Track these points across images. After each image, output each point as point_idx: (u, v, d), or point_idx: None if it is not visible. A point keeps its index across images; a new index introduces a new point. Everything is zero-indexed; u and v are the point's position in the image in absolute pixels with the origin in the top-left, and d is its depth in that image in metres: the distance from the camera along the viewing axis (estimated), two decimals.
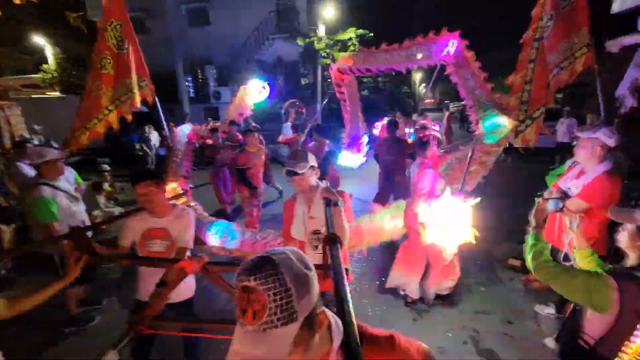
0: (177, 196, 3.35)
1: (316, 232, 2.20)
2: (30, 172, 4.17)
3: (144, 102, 5.19)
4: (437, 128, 12.29)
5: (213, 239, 3.47)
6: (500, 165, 5.13)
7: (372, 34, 14.25)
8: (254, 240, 3.37)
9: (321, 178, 2.20)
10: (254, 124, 11.90)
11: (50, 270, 3.05)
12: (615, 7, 3.41)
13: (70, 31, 18.85)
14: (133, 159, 11.59)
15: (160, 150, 10.17)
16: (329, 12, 13.56)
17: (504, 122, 3.61)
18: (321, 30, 13.64)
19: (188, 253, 2.12)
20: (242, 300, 0.66)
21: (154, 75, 5.25)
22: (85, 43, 18.45)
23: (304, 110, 14.14)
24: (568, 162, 2.83)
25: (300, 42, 13.72)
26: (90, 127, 4.52)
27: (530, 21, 3.54)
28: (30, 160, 2.94)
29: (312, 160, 2.12)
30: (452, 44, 4.17)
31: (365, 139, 6.44)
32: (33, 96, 13.40)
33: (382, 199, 4.97)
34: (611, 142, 2.40)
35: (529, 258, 1.63)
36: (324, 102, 9.56)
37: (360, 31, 14.00)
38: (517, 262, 3.88)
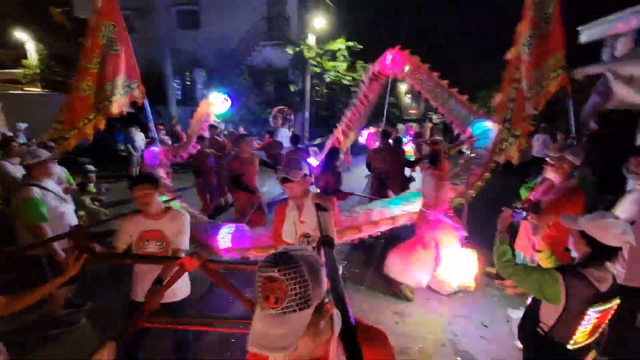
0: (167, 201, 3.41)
1: (306, 236, 2.31)
2: (15, 171, 4.10)
3: (131, 103, 5.20)
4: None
5: (223, 241, 3.49)
6: None
7: (360, 46, 14.61)
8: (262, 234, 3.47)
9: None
10: (242, 130, 11.98)
11: (36, 272, 3.03)
12: (583, 38, 3.73)
13: (54, 27, 18.46)
14: (117, 159, 11.40)
15: (145, 152, 10.05)
16: (319, 23, 13.82)
17: (491, 126, 3.82)
18: (311, 40, 13.88)
19: (182, 254, 2.19)
20: (266, 288, 0.77)
21: (140, 75, 5.28)
22: (69, 40, 18.11)
23: (292, 117, 14.30)
24: (539, 178, 3.08)
25: (290, 50, 13.90)
26: (80, 127, 4.48)
27: (512, 39, 3.70)
28: (24, 160, 2.89)
29: (305, 169, 2.25)
30: (389, 58, 4.42)
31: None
32: (12, 92, 12.95)
33: None
34: (577, 160, 2.65)
35: (495, 258, 1.86)
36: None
37: (350, 43, 14.32)
38: (492, 270, 4.09)
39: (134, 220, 2.19)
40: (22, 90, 14.35)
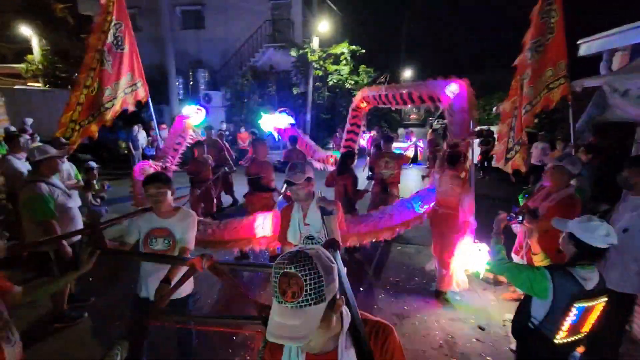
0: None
1: (310, 238, 2.38)
2: (22, 166, 4.15)
3: (135, 101, 5.27)
4: (421, 144, 12.82)
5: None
6: (479, 182, 5.49)
7: (363, 50, 14.72)
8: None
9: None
10: (243, 131, 12.05)
11: (43, 267, 3.08)
12: (582, 51, 3.84)
13: (57, 23, 18.51)
14: (118, 157, 11.44)
15: (147, 150, 10.10)
16: (323, 26, 13.92)
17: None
18: (315, 43, 13.98)
19: (188, 254, 2.25)
20: (283, 283, 0.84)
21: (144, 74, 5.35)
22: (72, 36, 18.16)
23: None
24: (537, 185, 3.16)
25: (293, 52, 13.99)
26: (85, 125, 4.53)
27: (513, 47, 3.77)
28: (32, 156, 2.93)
29: (309, 172, 2.32)
30: (454, 87, 4.26)
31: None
32: (16, 87, 12.98)
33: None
34: (574, 170, 2.74)
35: (491, 257, 2.00)
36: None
37: (353, 47, 14.42)
38: (490, 275, 4.18)
39: (144, 217, 2.25)
40: (25, 85, 14.39)
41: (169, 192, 2.22)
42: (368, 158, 7.35)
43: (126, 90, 5.12)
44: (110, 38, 4.80)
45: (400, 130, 15.87)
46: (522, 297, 2.00)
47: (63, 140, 3.98)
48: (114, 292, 3.76)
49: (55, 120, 8.97)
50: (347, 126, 6.76)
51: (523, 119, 3.63)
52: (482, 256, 2.97)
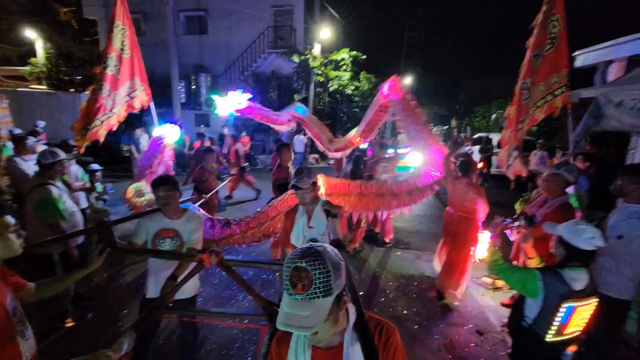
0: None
1: (313, 240, 2.43)
2: (27, 168, 4.22)
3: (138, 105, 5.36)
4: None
5: None
6: None
7: (364, 56, 14.88)
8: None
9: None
10: (244, 135, 12.14)
11: (47, 268, 3.11)
12: (578, 63, 3.94)
13: (62, 26, 18.71)
14: (119, 159, 11.51)
15: None
16: (324, 33, 14.09)
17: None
18: (316, 49, 14.14)
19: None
20: (294, 277, 0.90)
21: (147, 78, 5.44)
22: (76, 39, 18.34)
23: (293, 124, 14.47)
24: (533, 192, 3.23)
25: (295, 58, 14.13)
26: (91, 128, 4.61)
27: (512, 56, 3.87)
28: (44, 159, 2.98)
29: (314, 177, 2.39)
30: (386, 87, 4.54)
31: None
32: (20, 89, 13.08)
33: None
34: (571, 178, 2.81)
35: (488, 258, 2.11)
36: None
37: (354, 53, 14.58)
38: (489, 280, 4.23)
39: (152, 218, 2.31)
40: (28, 87, 14.50)
41: (177, 195, 2.29)
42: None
43: (130, 94, 5.22)
44: (117, 43, 4.90)
45: (401, 136, 15.96)
46: None
47: (71, 143, 4.05)
48: (117, 292, 3.81)
49: (58, 122, 9.00)
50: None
51: (527, 120, 3.75)
52: (486, 242, 3.06)
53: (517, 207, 3.47)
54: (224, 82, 15.52)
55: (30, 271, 3.55)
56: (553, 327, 1.75)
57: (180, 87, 14.85)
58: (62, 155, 3.03)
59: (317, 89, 14.92)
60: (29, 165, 4.22)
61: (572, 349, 1.86)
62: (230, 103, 6.41)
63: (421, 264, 4.81)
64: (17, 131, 6.64)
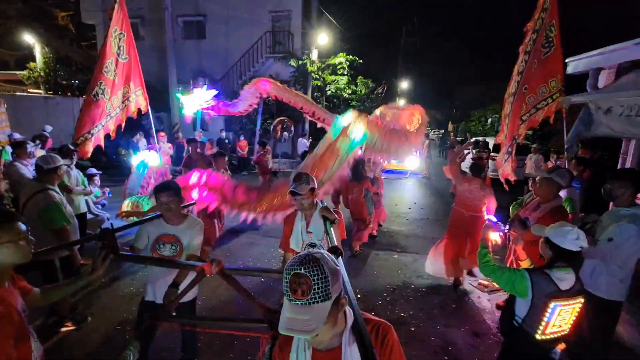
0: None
1: (312, 245, 2.48)
2: (27, 173, 4.24)
3: (136, 109, 5.42)
4: (417, 154, 13.00)
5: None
6: None
7: (361, 61, 15.03)
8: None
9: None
10: (242, 139, 12.18)
11: (48, 274, 3.13)
12: (569, 69, 4.05)
13: (60, 31, 18.75)
14: (117, 164, 11.50)
15: None
16: (322, 38, 14.24)
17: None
18: (314, 54, 14.27)
19: (196, 259, 2.35)
20: (294, 283, 0.95)
21: (145, 83, 5.50)
22: (73, 43, 18.37)
23: (292, 128, 14.56)
24: (527, 196, 3.30)
25: (293, 63, 14.26)
26: (95, 133, 4.67)
27: (507, 62, 4.01)
28: (44, 164, 3.00)
29: (313, 183, 2.44)
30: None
31: None
32: (18, 94, 13.07)
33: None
34: (562, 182, 2.88)
35: (478, 259, 2.17)
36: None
37: (351, 57, 14.73)
38: (485, 283, 4.29)
39: (153, 223, 2.35)
40: (26, 92, 14.49)
41: (179, 201, 2.33)
42: None
43: (129, 98, 5.27)
44: (114, 48, 4.97)
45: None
46: None
47: (71, 147, 4.08)
48: (116, 297, 3.83)
49: (56, 126, 8.96)
50: None
51: (527, 121, 3.88)
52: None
53: (511, 210, 3.53)
54: (223, 86, 15.59)
55: (32, 277, 3.62)
56: (542, 326, 1.82)
57: (178, 91, 14.94)
58: (61, 160, 3.07)
59: (315, 93, 15.04)
60: (29, 170, 4.25)
61: (561, 347, 1.92)
62: (197, 101, 6.14)
63: (418, 267, 4.86)
64: (17, 136, 6.66)
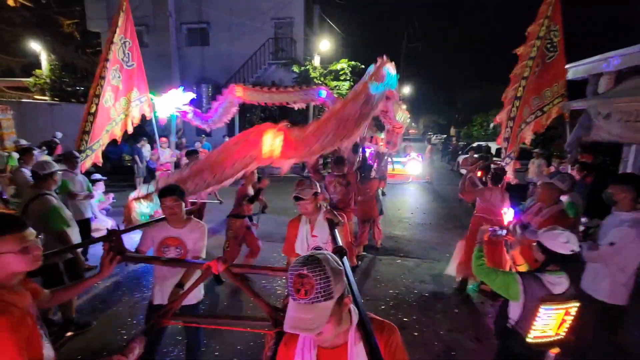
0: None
1: (317, 249, 2.51)
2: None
3: (140, 115, 5.51)
4: (419, 159, 13.02)
5: None
6: None
7: (362, 66, 15.13)
8: None
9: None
10: None
11: (53, 277, 3.17)
12: (569, 75, 4.09)
13: (65, 38, 19.03)
14: (121, 169, 11.60)
15: (149, 163, 10.27)
16: (324, 45, 14.38)
17: None
18: (316, 60, 14.40)
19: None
20: (297, 283, 0.98)
21: (150, 88, 5.59)
22: (78, 50, 18.62)
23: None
24: (529, 201, 3.32)
25: (296, 69, 14.39)
26: (102, 142, 4.75)
27: (508, 65, 4.05)
28: (40, 170, 3.03)
29: (316, 187, 2.48)
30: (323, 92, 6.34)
31: None
32: (23, 100, 13.23)
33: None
34: (563, 186, 2.91)
35: (473, 262, 2.19)
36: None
37: (352, 63, 14.86)
38: (487, 288, 4.28)
39: (158, 226, 2.39)
40: (32, 98, 14.67)
41: (183, 204, 2.37)
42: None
43: (133, 105, 5.36)
44: (120, 55, 5.07)
45: (401, 145, 16.10)
46: None
47: (76, 154, 4.15)
48: (120, 301, 3.85)
49: (62, 132, 9.06)
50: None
51: (532, 124, 3.91)
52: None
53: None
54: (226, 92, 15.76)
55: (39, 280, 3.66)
56: (533, 329, 1.83)
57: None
58: (56, 166, 3.14)
59: None
60: None
61: (554, 351, 1.92)
62: (171, 103, 5.78)
63: (421, 271, 4.86)
64: (23, 142, 6.76)
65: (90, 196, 4.61)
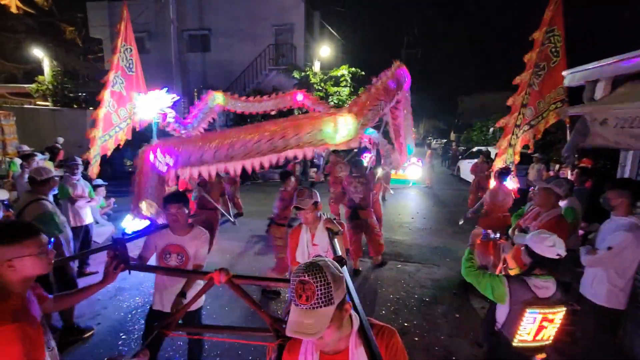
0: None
1: (318, 257, 2.53)
2: None
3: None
4: (420, 163, 13.07)
5: None
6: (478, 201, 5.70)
7: (363, 72, 15.24)
8: None
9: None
10: None
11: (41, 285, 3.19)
12: (566, 82, 4.14)
13: (67, 45, 19.20)
14: (122, 174, 11.64)
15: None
16: (324, 51, 14.50)
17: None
18: (316, 66, 14.51)
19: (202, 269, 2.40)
20: (299, 289, 1.01)
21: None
22: (80, 56, 18.78)
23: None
24: (527, 205, 3.35)
25: (296, 75, 14.50)
26: (102, 144, 4.79)
27: (509, 71, 4.11)
28: (38, 175, 3.08)
29: (316, 197, 2.50)
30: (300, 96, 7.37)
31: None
32: (25, 106, 13.33)
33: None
34: (560, 191, 2.93)
35: (462, 264, 2.18)
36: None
37: (352, 69, 14.96)
38: None
39: (160, 233, 2.41)
40: (34, 104, 14.78)
41: (186, 212, 2.40)
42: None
43: (134, 111, 5.41)
44: (123, 61, 5.14)
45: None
46: None
47: (77, 159, 4.19)
48: (121, 307, 3.87)
49: (63, 138, 9.14)
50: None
51: (521, 138, 3.94)
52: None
53: (513, 220, 3.57)
54: None
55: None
56: (519, 333, 1.84)
57: (183, 102, 15.19)
58: (53, 172, 3.19)
59: None
60: None
61: (540, 356, 1.92)
62: (154, 104, 5.25)
63: (421, 276, 4.87)
64: (25, 148, 6.82)
65: (90, 201, 4.65)
